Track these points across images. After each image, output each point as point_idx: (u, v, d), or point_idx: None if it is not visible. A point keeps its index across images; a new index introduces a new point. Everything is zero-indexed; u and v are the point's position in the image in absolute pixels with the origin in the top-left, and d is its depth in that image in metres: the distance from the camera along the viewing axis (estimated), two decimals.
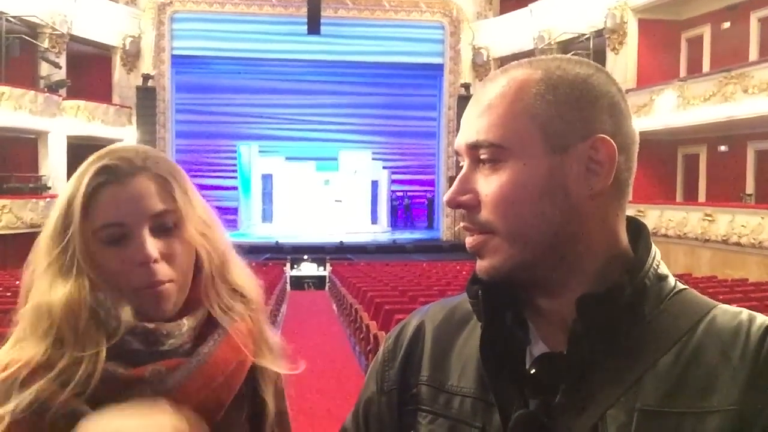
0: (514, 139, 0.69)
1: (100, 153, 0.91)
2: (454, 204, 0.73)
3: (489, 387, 0.73)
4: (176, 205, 0.90)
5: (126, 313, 0.86)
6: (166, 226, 0.89)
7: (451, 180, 20.98)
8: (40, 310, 0.86)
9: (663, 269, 0.73)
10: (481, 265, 0.73)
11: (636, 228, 0.76)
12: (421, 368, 0.81)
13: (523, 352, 0.74)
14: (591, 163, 0.69)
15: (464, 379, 0.76)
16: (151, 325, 0.87)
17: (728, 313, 0.70)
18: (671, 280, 0.73)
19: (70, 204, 0.88)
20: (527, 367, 0.72)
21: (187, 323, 0.90)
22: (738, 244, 11.61)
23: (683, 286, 0.74)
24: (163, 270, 0.88)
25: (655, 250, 0.74)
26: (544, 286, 0.72)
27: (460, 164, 0.75)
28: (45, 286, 0.87)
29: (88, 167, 0.89)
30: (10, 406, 0.80)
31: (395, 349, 0.85)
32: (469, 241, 0.73)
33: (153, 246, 0.87)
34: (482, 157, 0.71)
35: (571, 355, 0.69)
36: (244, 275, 1.01)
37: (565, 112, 0.69)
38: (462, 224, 0.74)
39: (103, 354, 0.83)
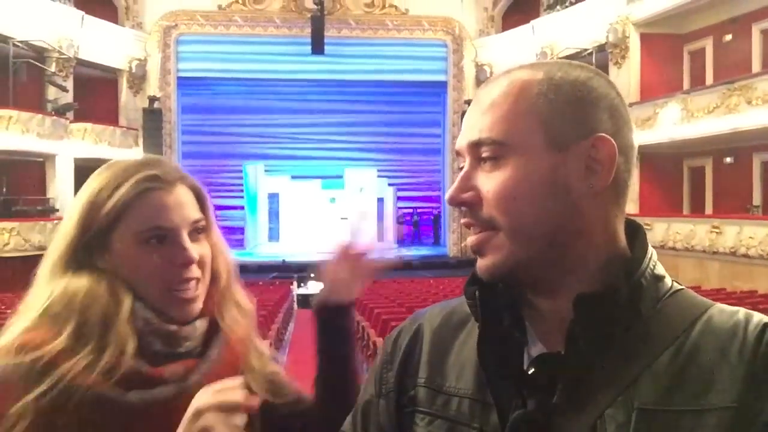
0: (516, 136, 0.70)
1: (139, 162, 0.99)
2: (455, 202, 0.73)
3: (487, 387, 0.73)
4: (206, 216, 1.01)
5: (152, 316, 0.93)
6: (199, 233, 0.99)
7: None
8: (70, 305, 0.90)
9: (659, 270, 0.74)
10: (482, 263, 0.73)
11: (632, 229, 0.76)
12: (419, 370, 0.81)
13: (521, 352, 0.74)
14: (591, 161, 0.70)
15: (462, 381, 0.76)
16: (173, 327, 0.94)
17: (725, 312, 0.70)
18: (668, 281, 0.74)
19: (102, 205, 0.93)
20: (525, 367, 0.72)
21: (199, 327, 0.98)
22: (746, 255, 11.53)
23: (680, 287, 0.74)
24: (195, 270, 0.97)
25: (652, 251, 0.74)
26: (544, 286, 0.73)
27: (460, 165, 0.76)
28: (69, 281, 0.92)
29: (126, 172, 0.96)
30: (39, 390, 0.83)
31: (394, 351, 0.85)
32: (471, 239, 0.74)
33: (191, 248, 0.96)
34: (484, 155, 0.72)
35: (568, 355, 0.69)
36: (241, 292, 1.10)
37: (567, 111, 0.70)
38: (463, 220, 0.74)
39: (131, 349, 0.89)
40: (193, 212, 0.98)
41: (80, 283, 0.91)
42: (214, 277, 1.02)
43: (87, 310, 0.89)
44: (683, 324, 0.69)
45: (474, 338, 0.76)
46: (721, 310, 0.71)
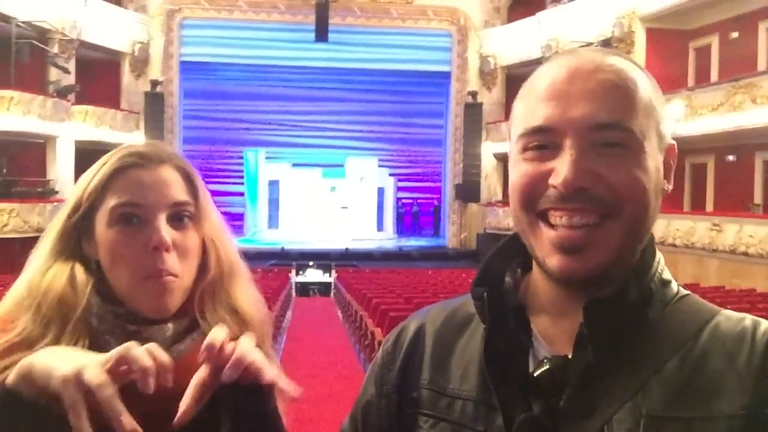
0: (642, 129, 0.68)
1: (127, 145, 0.94)
2: (574, 188, 0.65)
3: (492, 390, 0.72)
4: (197, 201, 0.91)
5: (110, 312, 0.86)
6: (184, 216, 0.89)
7: (458, 188, 20.99)
8: (34, 292, 0.86)
9: (667, 274, 0.74)
10: (575, 263, 0.67)
11: None
12: (421, 371, 0.80)
13: (526, 355, 0.73)
14: (667, 165, 0.72)
15: (466, 383, 0.75)
16: (132, 327, 0.85)
17: (732, 319, 0.70)
18: (674, 286, 0.74)
19: (87, 185, 0.89)
20: (531, 370, 0.71)
21: (171, 328, 0.88)
22: (746, 254, 11.53)
23: (686, 292, 0.74)
24: (173, 261, 0.87)
25: (660, 256, 0.74)
26: (599, 285, 0.69)
27: (531, 144, 0.69)
28: (44, 269, 0.88)
29: (114, 153, 0.91)
30: None
31: (395, 351, 0.84)
32: (574, 233, 0.66)
33: (168, 232, 0.87)
34: (611, 140, 0.66)
35: (576, 359, 0.68)
36: (248, 296, 0.97)
37: (664, 114, 0.72)
38: (570, 205, 0.66)
39: (82, 347, 0.82)
40: (177, 193, 0.89)
41: (50, 273, 0.87)
42: (203, 272, 0.92)
43: (43, 303, 0.85)
44: (691, 330, 0.69)
45: (477, 339, 0.75)
46: (728, 316, 0.71)
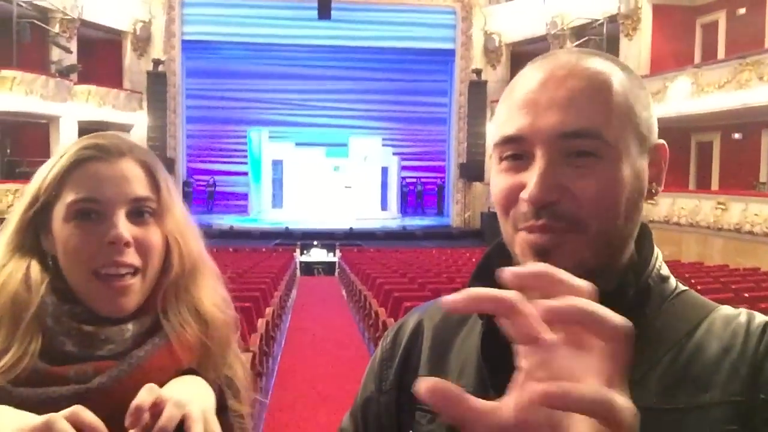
0: (617, 135, 0.65)
1: (88, 135, 0.90)
2: (542, 203, 0.64)
3: (490, 384, 0.71)
4: (159, 196, 0.88)
5: (65, 313, 0.83)
6: (145, 212, 0.87)
7: (462, 167, 20.97)
8: None
9: (665, 270, 0.73)
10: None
11: (641, 228, 0.75)
12: (419, 367, 0.80)
13: None
14: (656, 167, 0.70)
15: (464, 378, 0.75)
16: (88, 328, 0.83)
17: (729, 315, 0.70)
18: (672, 281, 0.74)
19: (45, 177, 0.86)
20: None
21: (131, 329, 0.85)
22: (751, 232, 11.51)
23: (684, 288, 0.74)
24: (131, 255, 0.84)
25: (658, 251, 0.73)
26: None
27: (505, 154, 0.68)
28: (0, 265, 0.85)
29: (73, 144, 0.88)
30: None
31: (393, 347, 0.84)
32: (542, 237, 0.66)
33: (126, 228, 0.84)
34: (580, 148, 0.64)
35: None
36: (211, 296, 0.94)
37: (647, 114, 0.69)
38: (536, 222, 0.65)
39: (35, 347, 0.80)
40: (137, 188, 0.86)
41: (6, 270, 0.84)
42: (165, 270, 0.89)
43: (8, 306, 0.82)
44: (687, 326, 0.69)
45: (475, 334, 0.75)
46: (724, 313, 0.70)
